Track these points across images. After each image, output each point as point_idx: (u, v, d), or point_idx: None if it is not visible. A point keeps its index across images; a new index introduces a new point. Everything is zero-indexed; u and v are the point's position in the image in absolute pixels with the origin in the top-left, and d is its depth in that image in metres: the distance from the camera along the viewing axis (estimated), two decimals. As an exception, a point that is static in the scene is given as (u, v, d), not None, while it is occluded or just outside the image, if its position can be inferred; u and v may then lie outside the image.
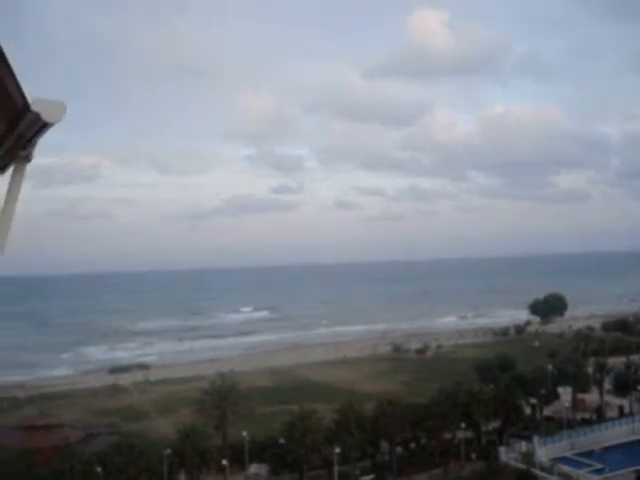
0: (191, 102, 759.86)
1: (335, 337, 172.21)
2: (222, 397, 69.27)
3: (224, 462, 62.50)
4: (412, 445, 69.61)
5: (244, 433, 66.45)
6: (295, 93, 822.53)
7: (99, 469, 56.18)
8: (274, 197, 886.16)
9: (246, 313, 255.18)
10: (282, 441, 62.40)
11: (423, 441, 69.92)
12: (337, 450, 61.10)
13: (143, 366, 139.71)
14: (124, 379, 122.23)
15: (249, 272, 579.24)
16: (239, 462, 66.48)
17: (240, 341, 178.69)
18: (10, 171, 3.61)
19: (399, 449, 68.15)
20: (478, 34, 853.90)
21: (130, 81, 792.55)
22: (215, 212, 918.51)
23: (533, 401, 77.17)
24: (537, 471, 62.63)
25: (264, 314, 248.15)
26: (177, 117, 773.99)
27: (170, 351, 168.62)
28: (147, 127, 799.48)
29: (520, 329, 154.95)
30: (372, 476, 63.29)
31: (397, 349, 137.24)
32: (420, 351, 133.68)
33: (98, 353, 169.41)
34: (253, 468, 66.35)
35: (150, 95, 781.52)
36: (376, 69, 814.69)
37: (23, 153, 3.50)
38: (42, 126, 3.26)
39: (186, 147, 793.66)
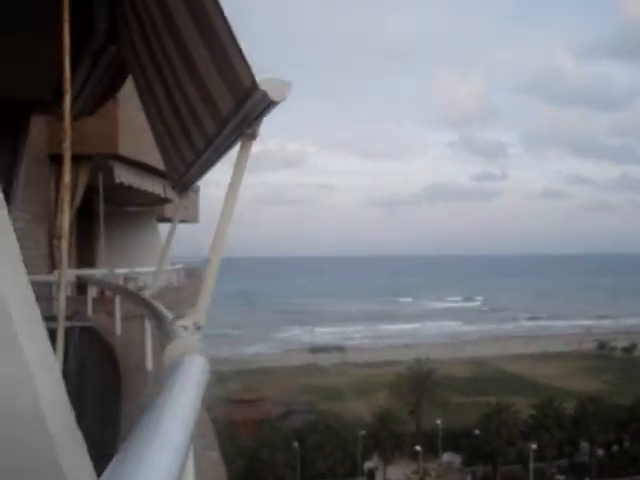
0: (392, 87, 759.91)
1: (538, 330, 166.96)
2: (418, 383, 69.59)
3: (417, 448, 62.89)
4: (615, 448, 66.23)
5: (438, 421, 66.43)
6: (500, 77, 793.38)
7: (296, 444, 58.60)
8: (476, 185, 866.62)
9: (454, 302, 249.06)
10: (477, 432, 61.70)
11: (627, 445, 66.30)
12: (534, 446, 59.49)
13: (341, 348, 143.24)
14: (323, 360, 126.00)
15: (448, 260, 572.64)
16: (432, 450, 66.54)
17: (439, 329, 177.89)
18: (237, 148, 3.83)
19: (600, 451, 65.06)
20: None
21: (332, 66, 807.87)
22: (414, 199, 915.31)
23: None
24: None
25: (475, 304, 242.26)
26: (378, 102, 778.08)
27: (368, 335, 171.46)
28: (348, 113, 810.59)
29: None
30: (570, 477, 60.90)
31: (602, 346, 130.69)
32: (627, 350, 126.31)
33: (300, 333, 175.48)
34: (446, 457, 66.17)
35: (351, 80, 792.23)
36: (587, 50, 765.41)
37: (249, 131, 3.68)
38: (268, 104, 3.40)
39: (386, 133, 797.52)
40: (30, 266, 3.55)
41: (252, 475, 56.88)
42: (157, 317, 5.00)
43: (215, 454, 5.46)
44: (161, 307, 5.58)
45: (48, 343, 3.45)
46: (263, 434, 57.82)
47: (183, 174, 6.45)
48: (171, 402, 1.88)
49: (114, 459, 1.35)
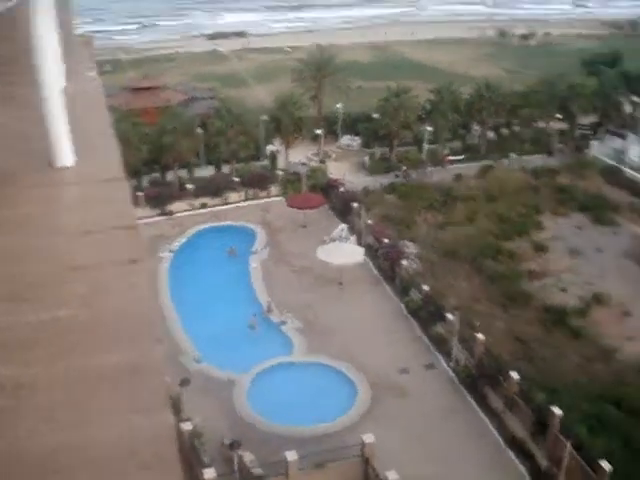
0: None
1: (442, 16, 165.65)
2: (319, 68, 69.48)
3: (318, 131, 64.59)
4: (504, 131, 69.85)
5: (339, 105, 67.68)
6: None
7: (200, 130, 59.05)
8: None
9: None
10: (375, 116, 63.41)
11: (515, 128, 69.94)
12: (429, 129, 62.03)
13: (241, 34, 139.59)
14: (223, 46, 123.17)
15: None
16: (332, 133, 68.56)
17: (342, 14, 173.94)
18: None
19: (490, 134, 68.58)
20: None
21: None
22: None
23: (635, 99, 74.55)
24: (627, 169, 62.64)
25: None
26: None
27: (269, 20, 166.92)
28: None
29: (635, 24, 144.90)
30: (462, 157, 64.63)
31: (502, 34, 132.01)
32: (525, 37, 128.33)
33: (201, 19, 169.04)
34: (345, 140, 68.46)
35: None
36: None
37: None
38: None
39: None
40: None
41: (155, 161, 57.78)
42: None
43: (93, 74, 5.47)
44: None
45: None
46: (165, 121, 57.69)
47: None
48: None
49: None
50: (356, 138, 68.01)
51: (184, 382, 33.33)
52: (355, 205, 51.19)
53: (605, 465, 25.62)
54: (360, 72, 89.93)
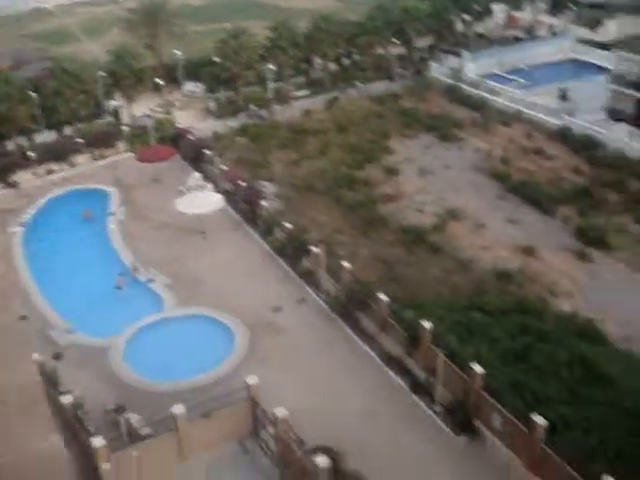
0: None
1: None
2: (152, 16, 67.40)
3: (159, 81, 62.93)
4: (345, 61, 70.50)
5: (177, 52, 66.07)
6: None
7: (34, 94, 55.95)
8: None
9: None
10: (216, 60, 62.34)
11: (356, 57, 70.73)
12: (271, 67, 61.70)
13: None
14: (48, 2, 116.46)
15: None
16: (174, 81, 66.99)
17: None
18: None
19: (332, 65, 69.11)
20: None
21: None
22: None
23: (466, 17, 77.07)
24: (465, 86, 64.92)
25: None
26: None
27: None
28: None
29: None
30: (307, 92, 65.01)
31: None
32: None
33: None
34: (188, 86, 67.04)
35: None
36: None
37: None
38: None
39: None
40: None
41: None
42: None
43: None
44: None
45: None
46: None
47: None
48: None
49: None
50: (199, 84, 66.74)
51: (57, 356, 32.39)
52: (207, 152, 50.62)
53: (477, 368, 27.10)
54: (194, 15, 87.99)
